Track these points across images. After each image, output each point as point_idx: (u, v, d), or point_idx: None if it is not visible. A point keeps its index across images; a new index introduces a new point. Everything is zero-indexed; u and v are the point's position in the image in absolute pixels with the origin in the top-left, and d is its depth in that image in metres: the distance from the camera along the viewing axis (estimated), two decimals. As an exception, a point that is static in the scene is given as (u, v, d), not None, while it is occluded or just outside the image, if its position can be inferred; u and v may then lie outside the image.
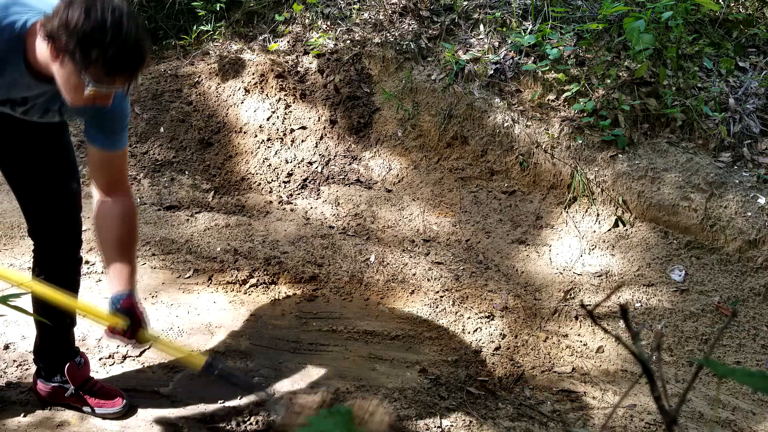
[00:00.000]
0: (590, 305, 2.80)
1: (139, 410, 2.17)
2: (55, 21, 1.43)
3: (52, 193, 1.97)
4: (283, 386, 2.29)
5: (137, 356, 2.40)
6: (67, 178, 1.99)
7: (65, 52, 1.44)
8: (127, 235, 1.86)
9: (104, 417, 2.12)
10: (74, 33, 1.40)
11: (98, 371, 2.33)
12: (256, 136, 3.80)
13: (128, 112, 1.84)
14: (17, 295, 0.98)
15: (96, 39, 1.41)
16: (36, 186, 1.95)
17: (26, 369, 2.31)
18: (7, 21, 1.54)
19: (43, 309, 1.96)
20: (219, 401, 2.22)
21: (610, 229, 3.17)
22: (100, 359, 2.38)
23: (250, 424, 2.13)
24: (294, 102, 3.87)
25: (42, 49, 1.52)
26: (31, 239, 2.04)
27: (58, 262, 2.04)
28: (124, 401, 2.13)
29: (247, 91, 3.96)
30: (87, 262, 2.90)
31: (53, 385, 2.12)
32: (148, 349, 2.21)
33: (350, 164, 3.69)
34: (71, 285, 2.04)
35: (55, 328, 2.02)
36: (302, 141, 3.75)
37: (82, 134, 1.87)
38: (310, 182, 3.59)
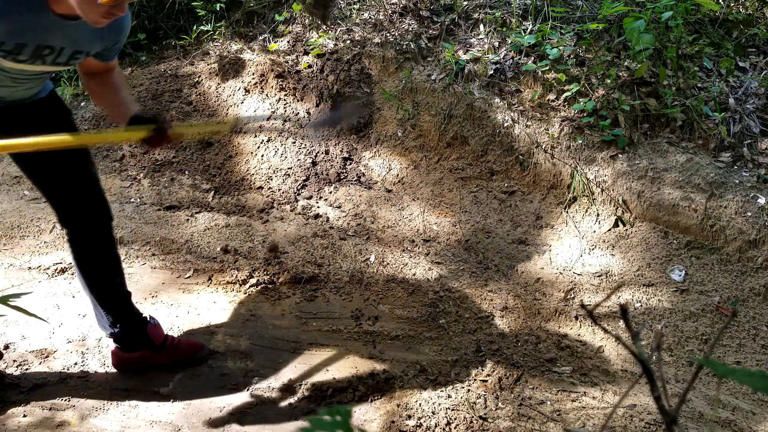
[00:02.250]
0: (590, 305, 2.80)
1: (139, 410, 2.17)
2: None
3: (74, 178, 2.06)
4: (283, 386, 2.29)
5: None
6: (84, 163, 2.09)
7: None
8: (119, 83, 2.05)
9: (189, 364, 2.34)
10: None
11: (97, 370, 2.33)
12: (256, 136, 3.80)
13: (129, 28, 1.98)
14: (17, 295, 0.98)
15: None
16: (57, 174, 2.04)
17: (26, 369, 2.31)
18: None
19: (94, 284, 2.14)
20: (219, 401, 2.22)
21: (610, 229, 3.17)
22: (99, 359, 2.38)
23: (251, 424, 2.13)
24: (294, 102, 3.87)
25: None
26: (64, 227, 2.12)
27: (93, 244, 2.13)
28: (204, 347, 2.39)
29: (247, 91, 3.96)
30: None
31: (138, 353, 2.29)
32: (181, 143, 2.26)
33: (350, 164, 3.69)
34: (113, 263, 2.19)
35: (112, 299, 2.20)
36: (302, 141, 3.75)
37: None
38: (310, 182, 3.59)
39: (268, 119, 2.12)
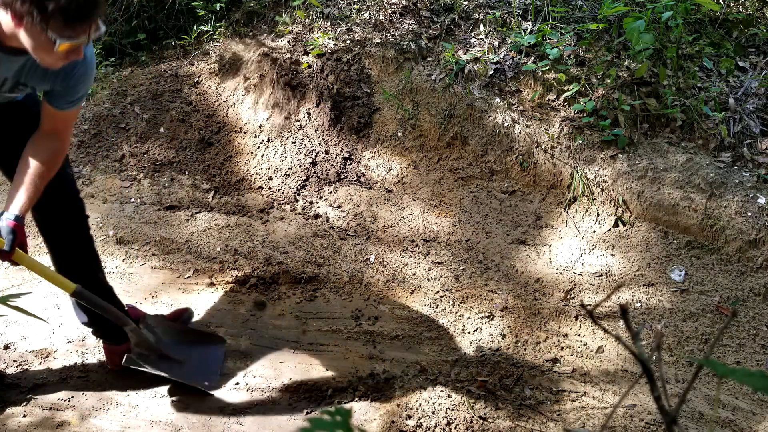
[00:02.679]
0: (590, 305, 2.79)
1: (139, 410, 2.17)
2: None
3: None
4: (283, 387, 2.29)
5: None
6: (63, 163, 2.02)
7: (23, 15, 1.47)
8: (44, 171, 1.88)
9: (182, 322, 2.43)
10: None
11: (97, 370, 2.33)
12: (256, 136, 3.80)
13: (93, 75, 1.88)
14: (17, 295, 0.98)
15: None
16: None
17: (26, 369, 2.31)
18: None
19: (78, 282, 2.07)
20: (219, 401, 2.22)
21: (610, 229, 3.17)
22: (99, 359, 2.38)
23: (251, 424, 2.13)
24: (294, 102, 3.87)
25: (5, 20, 1.54)
26: (42, 235, 2.09)
27: (70, 245, 2.10)
28: (188, 309, 2.52)
29: (247, 91, 3.96)
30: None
31: (126, 344, 2.24)
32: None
33: (350, 164, 3.69)
34: (92, 261, 2.16)
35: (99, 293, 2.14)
36: (302, 141, 3.75)
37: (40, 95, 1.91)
38: (309, 182, 3.59)
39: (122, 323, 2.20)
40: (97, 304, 2.08)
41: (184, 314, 2.54)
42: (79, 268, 2.13)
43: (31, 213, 2.00)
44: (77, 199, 2.12)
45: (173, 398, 2.23)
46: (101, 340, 2.34)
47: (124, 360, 2.17)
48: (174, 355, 2.28)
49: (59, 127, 1.93)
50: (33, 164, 1.88)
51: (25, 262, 1.90)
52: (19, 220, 1.82)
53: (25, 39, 1.54)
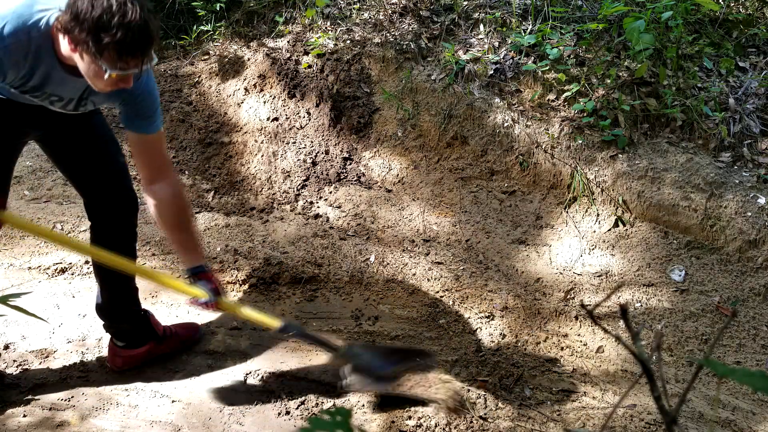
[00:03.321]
0: (590, 305, 2.79)
1: (139, 410, 2.17)
2: (67, 14, 1.52)
3: (104, 166, 2.11)
4: (283, 387, 2.29)
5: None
6: (111, 152, 2.14)
7: (79, 42, 1.54)
8: (183, 213, 2.03)
9: (188, 348, 2.43)
10: (84, 23, 1.50)
11: (97, 370, 2.33)
12: (256, 136, 3.80)
13: (156, 93, 1.94)
14: (17, 295, 0.98)
15: (104, 25, 1.49)
16: (86, 165, 2.09)
17: (26, 369, 2.31)
18: (33, 20, 1.62)
19: (107, 277, 2.17)
20: (219, 401, 2.22)
21: (610, 229, 3.17)
22: (99, 359, 2.38)
23: (251, 424, 2.13)
24: (294, 102, 3.87)
25: (63, 43, 1.61)
26: (89, 218, 2.16)
27: (116, 233, 2.15)
28: (199, 328, 2.49)
29: (247, 91, 3.96)
30: (87, 262, 2.90)
31: (146, 347, 2.32)
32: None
33: (350, 164, 3.69)
34: (130, 254, 2.20)
35: (122, 294, 2.24)
36: (302, 141, 3.75)
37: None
38: (309, 182, 3.59)
39: (319, 343, 2.24)
40: (314, 338, 2.19)
41: (195, 334, 2.48)
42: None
43: (81, 198, 2.15)
44: (127, 190, 2.15)
45: (173, 398, 2.23)
46: (113, 342, 2.31)
47: (341, 386, 2.20)
48: (385, 374, 2.23)
49: (156, 158, 1.98)
50: (172, 219, 2.01)
51: (227, 307, 2.06)
52: (205, 268, 2.02)
53: (79, 63, 1.61)
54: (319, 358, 2.44)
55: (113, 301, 2.24)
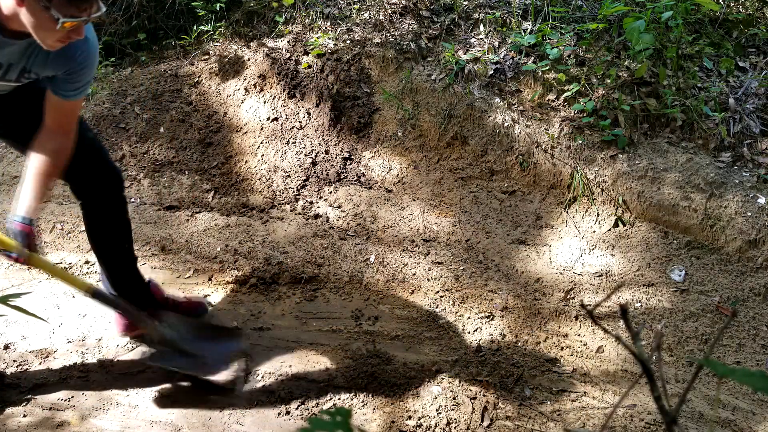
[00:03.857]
0: (590, 305, 2.79)
1: (139, 410, 2.17)
2: None
3: (77, 147, 2.01)
4: (283, 387, 2.29)
5: (137, 347, 2.40)
6: (80, 129, 2.05)
7: None
8: (50, 168, 1.90)
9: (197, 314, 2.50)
10: None
11: (97, 370, 2.33)
12: (256, 136, 3.80)
13: (97, 55, 1.88)
14: (17, 295, 0.98)
15: None
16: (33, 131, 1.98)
17: (26, 369, 2.31)
18: None
19: (103, 249, 2.19)
20: (219, 401, 2.22)
21: (610, 229, 3.17)
22: (99, 359, 2.38)
23: (251, 424, 2.13)
24: (294, 102, 3.87)
25: (5, 1, 1.54)
26: (77, 198, 2.15)
27: (105, 212, 2.16)
28: (204, 304, 2.54)
29: (247, 91, 3.96)
30: (87, 262, 2.90)
31: (148, 311, 2.31)
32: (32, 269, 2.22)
33: (350, 164, 3.69)
34: (124, 229, 2.22)
35: (119, 263, 2.27)
36: (302, 141, 3.75)
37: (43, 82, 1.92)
38: (309, 182, 3.59)
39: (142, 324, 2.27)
40: (114, 303, 2.16)
41: (199, 308, 2.57)
42: (110, 237, 2.21)
43: (66, 185, 2.10)
44: (108, 164, 2.12)
45: (173, 398, 2.23)
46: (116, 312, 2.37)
47: (149, 358, 2.25)
48: (192, 351, 2.28)
49: (64, 120, 1.92)
50: (39, 163, 1.89)
51: (39, 264, 1.92)
52: (28, 221, 1.84)
53: (26, 18, 1.54)
54: (319, 358, 2.44)
55: (116, 276, 2.31)
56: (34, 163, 1.90)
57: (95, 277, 2.82)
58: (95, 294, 2.08)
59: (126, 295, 2.32)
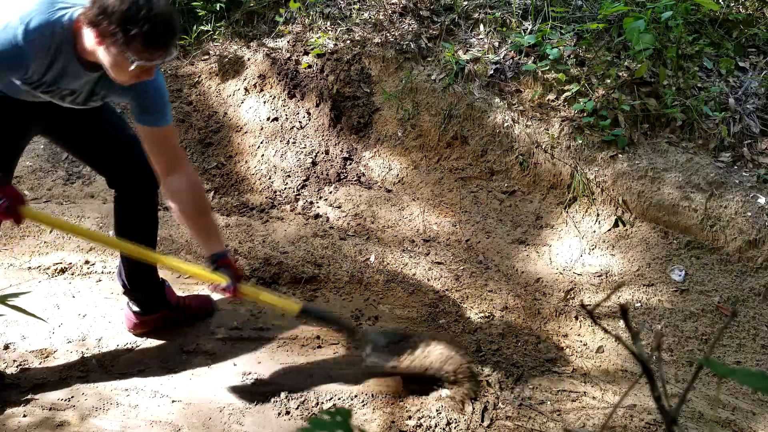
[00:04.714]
0: (590, 305, 2.79)
1: (139, 410, 2.17)
2: (95, 9, 1.61)
3: (113, 141, 2.19)
4: (283, 387, 2.29)
5: (137, 347, 2.40)
6: (118, 124, 2.22)
7: (107, 35, 1.62)
8: (201, 201, 2.12)
9: (200, 318, 2.55)
10: (113, 15, 1.59)
11: (98, 371, 2.33)
12: (256, 136, 3.80)
13: (165, 88, 2.02)
14: (17, 295, 0.98)
15: (132, 18, 1.59)
16: (96, 142, 2.18)
17: (26, 369, 2.31)
18: (57, 16, 1.71)
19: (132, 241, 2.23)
20: (219, 401, 2.22)
21: (610, 229, 3.17)
22: (99, 359, 2.38)
23: (251, 424, 2.13)
24: (294, 102, 3.87)
25: (88, 37, 1.69)
26: (111, 187, 2.26)
27: (138, 206, 2.27)
28: (212, 301, 2.61)
29: (247, 91, 3.96)
30: (87, 262, 2.90)
31: (158, 314, 2.45)
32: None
33: (350, 164, 3.69)
34: (152, 227, 2.32)
35: (145, 266, 2.34)
36: (302, 141, 3.75)
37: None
38: (309, 182, 3.59)
39: (338, 324, 2.34)
40: (326, 317, 2.28)
41: (207, 305, 2.61)
42: (137, 232, 2.26)
43: (103, 176, 2.26)
44: (146, 164, 2.17)
45: (173, 398, 2.23)
46: (129, 306, 2.45)
47: (365, 364, 2.26)
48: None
49: (166, 154, 2.03)
50: (184, 209, 2.07)
51: (248, 292, 2.09)
52: (224, 254, 2.07)
53: (103, 56, 1.70)
54: (319, 357, 2.44)
55: (133, 271, 2.36)
56: (188, 206, 2.07)
57: (95, 277, 2.82)
58: (306, 312, 2.16)
59: (140, 291, 2.40)
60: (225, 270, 2.04)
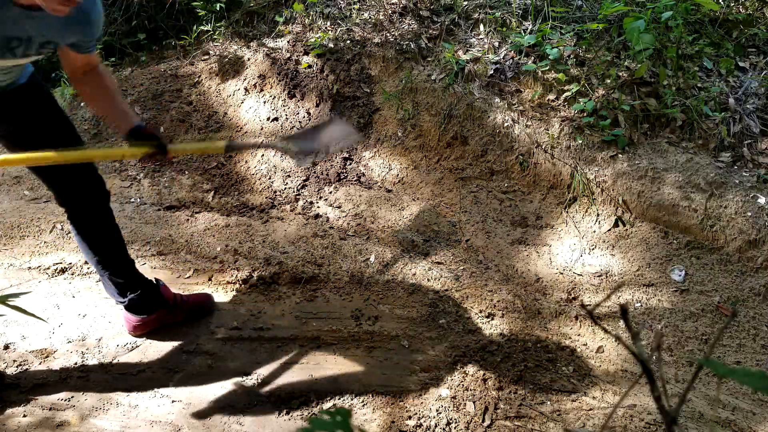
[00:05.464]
0: (590, 305, 2.79)
1: (139, 410, 2.17)
2: None
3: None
4: (283, 387, 2.29)
5: (137, 347, 2.40)
6: (69, 137, 2.11)
7: None
8: (113, 88, 2.06)
9: (200, 316, 2.55)
10: None
11: (98, 371, 2.33)
12: (256, 136, 3.80)
13: (101, 17, 1.94)
14: (17, 295, 0.98)
15: None
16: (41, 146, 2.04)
17: (26, 369, 2.31)
18: None
19: (101, 257, 2.24)
20: (219, 401, 2.22)
21: (610, 229, 3.16)
22: (99, 359, 2.38)
23: (251, 424, 2.13)
24: (294, 102, 3.87)
25: None
26: (63, 208, 2.21)
27: (92, 220, 2.21)
28: (210, 297, 2.59)
29: (247, 91, 3.96)
30: (87, 262, 2.90)
31: (156, 314, 2.43)
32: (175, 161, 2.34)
33: (350, 164, 3.69)
34: (113, 234, 2.27)
35: (120, 267, 2.31)
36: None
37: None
38: (309, 182, 3.59)
39: (259, 146, 2.35)
40: (249, 144, 2.56)
41: (206, 303, 2.61)
42: (100, 246, 2.25)
43: (51, 192, 2.20)
44: (96, 175, 2.18)
45: (173, 398, 2.23)
46: (128, 313, 2.44)
47: (296, 160, 2.26)
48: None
49: (94, 63, 2.02)
50: (104, 92, 2.01)
51: (177, 152, 2.07)
52: (143, 125, 1.99)
53: None
54: (319, 357, 2.44)
55: (117, 276, 2.34)
56: (102, 93, 2.01)
57: (95, 277, 2.82)
58: (230, 147, 2.09)
59: (135, 298, 2.37)
60: (150, 137, 1.95)
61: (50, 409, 2.15)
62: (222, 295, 2.77)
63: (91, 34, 1.90)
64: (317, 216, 3.38)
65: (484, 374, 2.39)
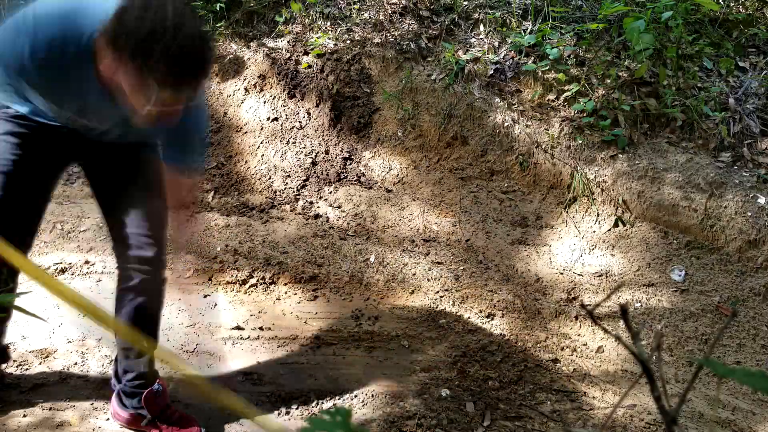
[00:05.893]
0: (590, 305, 2.79)
1: (139, 410, 2.17)
2: (113, 24, 1.31)
3: (137, 213, 1.88)
4: (283, 387, 2.29)
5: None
6: (154, 196, 1.90)
7: (126, 55, 1.30)
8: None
9: None
10: (133, 34, 1.27)
11: (97, 370, 2.33)
12: (256, 136, 3.80)
13: (205, 133, 1.78)
14: (17, 295, 0.98)
15: (157, 37, 1.26)
16: (120, 200, 1.88)
17: (26, 369, 2.31)
18: (72, 32, 1.42)
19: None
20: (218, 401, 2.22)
21: (610, 229, 3.16)
22: (99, 359, 2.38)
23: (251, 423, 2.13)
24: (294, 102, 3.87)
25: (106, 56, 1.38)
26: (115, 256, 1.95)
27: (140, 291, 1.95)
28: (202, 429, 2.03)
29: (247, 91, 3.96)
30: (87, 262, 2.90)
31: (130, 411, 2.04)
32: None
33: (350, 164, 3.69)
34: (158, 304, 2.04)
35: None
36: (302, 141, 3.75)
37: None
38: (309, 182, 3.59)
39: None
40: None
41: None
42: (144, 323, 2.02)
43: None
44: (160, 254, 1.98)
45: (173, 400, 2.22)
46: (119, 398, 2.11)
47: None
48: None
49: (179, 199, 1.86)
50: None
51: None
52: None
53: (123, 79, 1.38)
54: (319, 357, 2.44)
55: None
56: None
57: (95, 277, 2.82)
58: None
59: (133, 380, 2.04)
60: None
61: (50, 409, 2.15)
62: (222, 295, 2.77)
63: (183, 146, 1.70)
64: (317, 216, 3.38)
65: (484, 374, 2.39)
